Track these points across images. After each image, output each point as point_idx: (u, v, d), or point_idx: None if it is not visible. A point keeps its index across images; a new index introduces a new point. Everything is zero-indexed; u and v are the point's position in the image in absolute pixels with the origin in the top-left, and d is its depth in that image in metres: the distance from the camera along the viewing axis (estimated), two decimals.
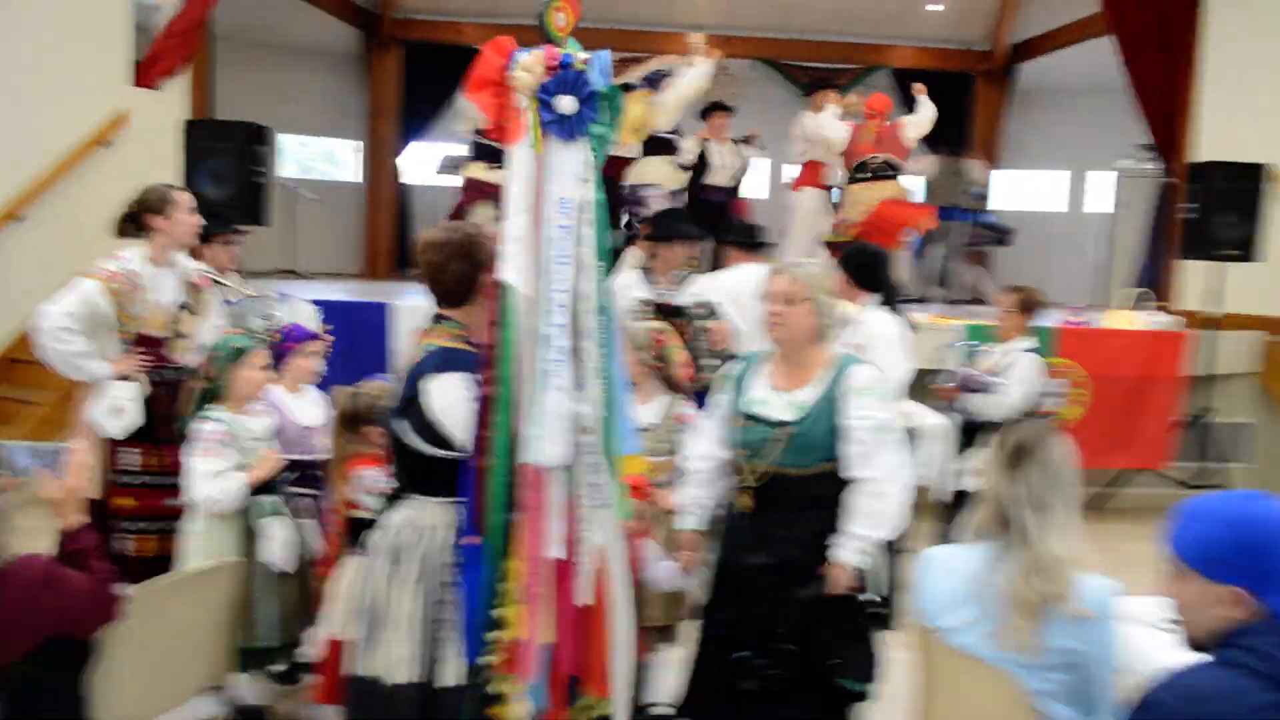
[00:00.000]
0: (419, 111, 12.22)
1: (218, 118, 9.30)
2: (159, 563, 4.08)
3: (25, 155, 7.23)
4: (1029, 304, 5.50)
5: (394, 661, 2.85)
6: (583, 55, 2.63)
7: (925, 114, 8.84)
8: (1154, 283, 9.35)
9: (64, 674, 2.69)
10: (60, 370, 4.34)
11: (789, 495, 3.19)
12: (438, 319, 3.02)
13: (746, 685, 3.13)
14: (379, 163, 12.54)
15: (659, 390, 4.04)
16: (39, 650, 2.56)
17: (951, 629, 2.72)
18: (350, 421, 3.90)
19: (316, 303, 4.66)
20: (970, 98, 12.86)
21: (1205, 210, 7.42)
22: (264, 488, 3.79)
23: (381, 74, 12.34)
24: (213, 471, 3.67)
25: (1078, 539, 2.65)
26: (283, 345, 4.23)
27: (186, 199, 4.47)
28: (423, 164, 12.43)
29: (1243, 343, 7.94)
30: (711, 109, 9.25)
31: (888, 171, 8.66)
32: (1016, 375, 5.31)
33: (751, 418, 3.25)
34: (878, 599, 3.26)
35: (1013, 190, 13.27)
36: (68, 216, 7.32)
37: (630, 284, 5.46)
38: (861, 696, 3.26)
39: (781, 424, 3.18)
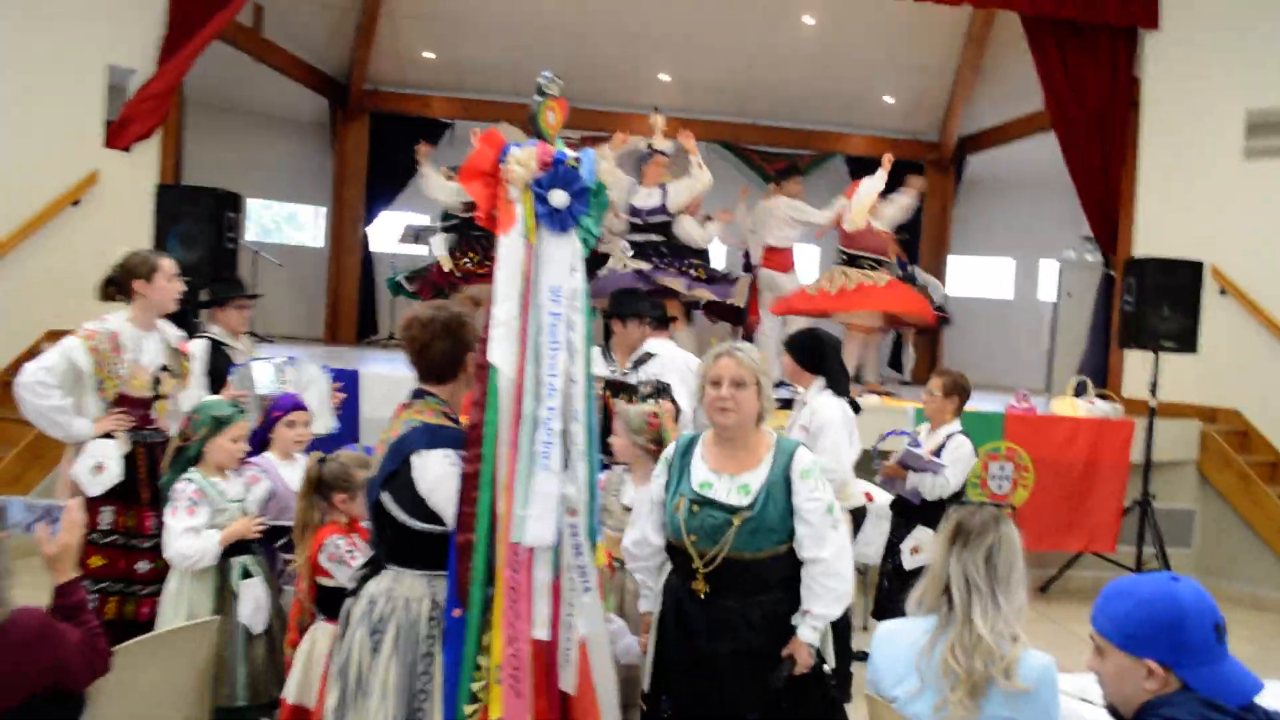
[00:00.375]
0: (384, 180, 12.41)
1: (186, 180, 9.38)
2: (118, 625, 4.09)
3: None
4: (956, 388, 5.55)
5: None
6: (574, 153, 2.79)
7: (866, 189, 8.72)
8: (1099, 371, 9.54)
9: None
10: (39, 425, 4.38)
11: (742, 579, 3.20)
12: (419, 394, 3.07)
13: None
14: (343, 228, 12.65)
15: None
16: (31, 702, 2.60)
17: (901, 700, 2.79)
18: (318, 488, 3.88)
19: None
20: None
21: (1141, 303, 7.65)
22: (240, 549, 3.87)
23: (348, 142, 12.51)
24: (188, 528, 3.76)
25: (1016, 619, 2.74)
26: (270, 414, 4.32)
27: (170, 265, 4.55)
28: (388, 232, 12.58)
29: (1181, 431, 8.22)
30: None
31: (869, 262, 8.85)
32: (948, 458, 5.35)
33: (702, 502, 3.24)
34: (834, 669, 3.37)
35: (962, 277, 13.63)
36: (36, 273, 7.38)
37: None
38: None
39: (735, 509, 3.19)
